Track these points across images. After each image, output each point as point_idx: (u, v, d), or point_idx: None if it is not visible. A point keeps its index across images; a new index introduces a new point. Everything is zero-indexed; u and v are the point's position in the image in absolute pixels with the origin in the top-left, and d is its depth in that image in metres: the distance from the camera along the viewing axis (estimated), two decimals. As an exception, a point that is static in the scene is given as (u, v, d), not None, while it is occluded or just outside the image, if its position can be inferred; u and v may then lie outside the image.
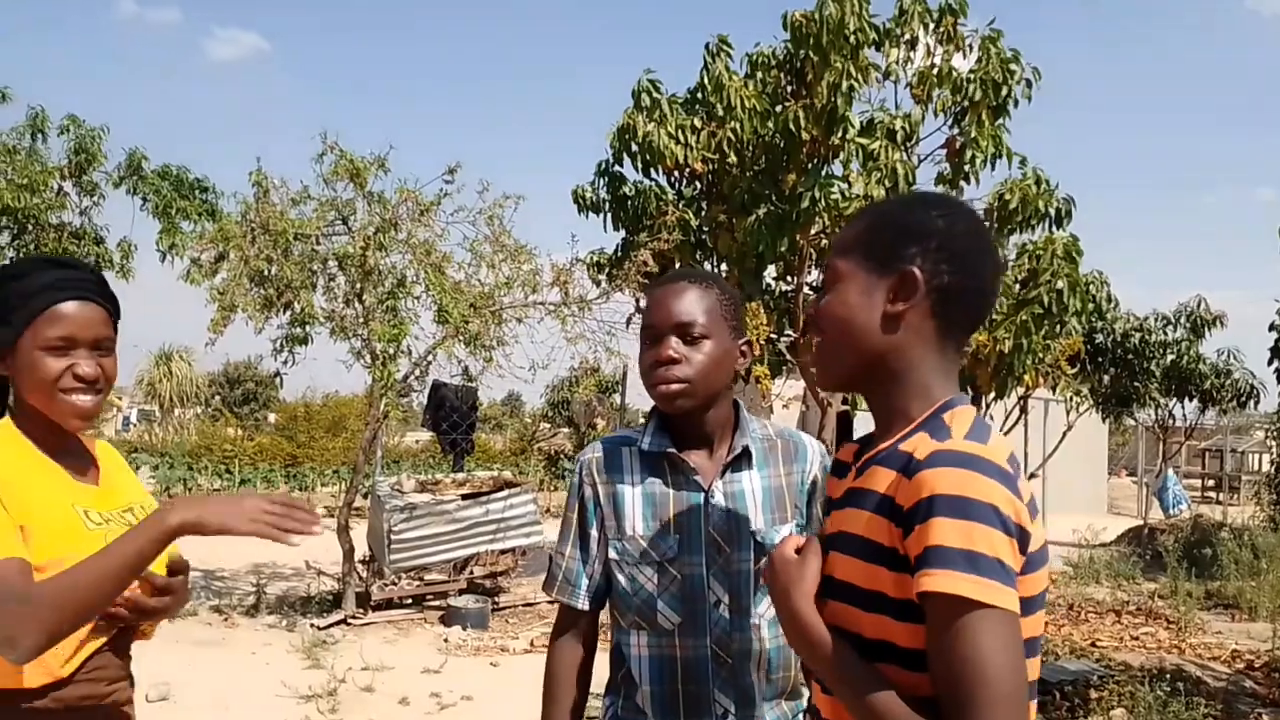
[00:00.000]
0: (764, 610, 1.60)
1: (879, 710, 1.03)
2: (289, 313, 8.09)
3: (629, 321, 8.72)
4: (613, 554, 1.62)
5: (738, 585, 1.59)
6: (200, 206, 9.37)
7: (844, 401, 8.66)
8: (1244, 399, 14.31)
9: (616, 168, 9.09)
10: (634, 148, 8.65)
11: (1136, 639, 7.29)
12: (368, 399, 8.77)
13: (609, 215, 9.13)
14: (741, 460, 1.64)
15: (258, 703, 5.32)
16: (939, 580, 0.99)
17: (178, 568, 1.59)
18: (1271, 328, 11.99)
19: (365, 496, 9.63)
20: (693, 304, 1.61)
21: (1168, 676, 5.51)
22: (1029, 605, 1.06)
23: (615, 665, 1.67)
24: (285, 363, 8.41)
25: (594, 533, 1.64)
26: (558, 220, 10.84)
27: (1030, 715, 1.05)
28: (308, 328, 8.07)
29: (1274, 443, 14.98)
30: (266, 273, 7.90)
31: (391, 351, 7.77)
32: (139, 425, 33.65)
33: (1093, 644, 6.95)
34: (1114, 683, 5.43)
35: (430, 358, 7.94)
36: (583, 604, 1.65)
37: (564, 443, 19.72)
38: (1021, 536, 1.03)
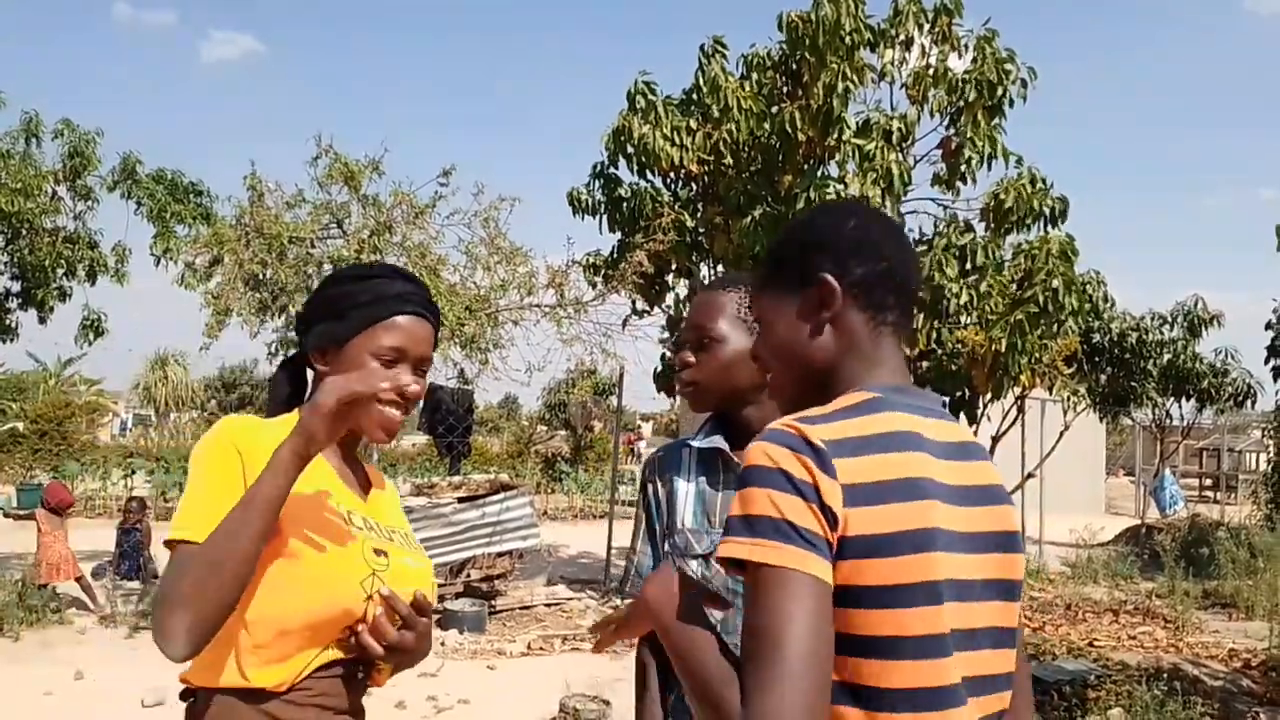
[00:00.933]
0: None
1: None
2: (284, 316, 8.07)
3: (625, 323, 8.72)
4: (667, 547, 1.70)
5: None
6: (195, 210, 9.34)
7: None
8: (1241, 398, 14.31)
9: (612, 170, 9.10)
10: (629, 150, 8.67)
11: (1134, 638, 7.28)
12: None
13: (605, 217, 9.14)
14: None
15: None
16: (721, 549, 1.00)
17: (422, 607, 1.40)
18: (1268, 327, 12.02)
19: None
20: (706, 311, 1.71)
21: (1165, 676, 5.50)
22: (876, 596, 0.98)
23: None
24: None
25: (658, 528, 1.72)
26: (554, 222, 10.84)
27: (823, 690, 0.95)
28: (303, 331, 8.05)
29: (1271, 442, 14.98)
30: (261, 276, 7.88)
31: (387, 355, 7.74)
32: (134, 430, 33.60)
33: (1090, 644, 6.95)
34: (1111, 682, 5.43)
35: (427, 361, 7.92)
36: None
37: (561, 445, 19.70)
38: (825, 512, 0.98)
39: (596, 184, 9.17)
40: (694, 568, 1.62)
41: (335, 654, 1.37)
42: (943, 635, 1.01)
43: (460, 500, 7.46)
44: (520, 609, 7.51)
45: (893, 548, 0.99)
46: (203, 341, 7.78)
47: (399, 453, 20.40)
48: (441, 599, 7.36)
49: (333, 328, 1.47)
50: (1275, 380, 12.24)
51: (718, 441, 1.69)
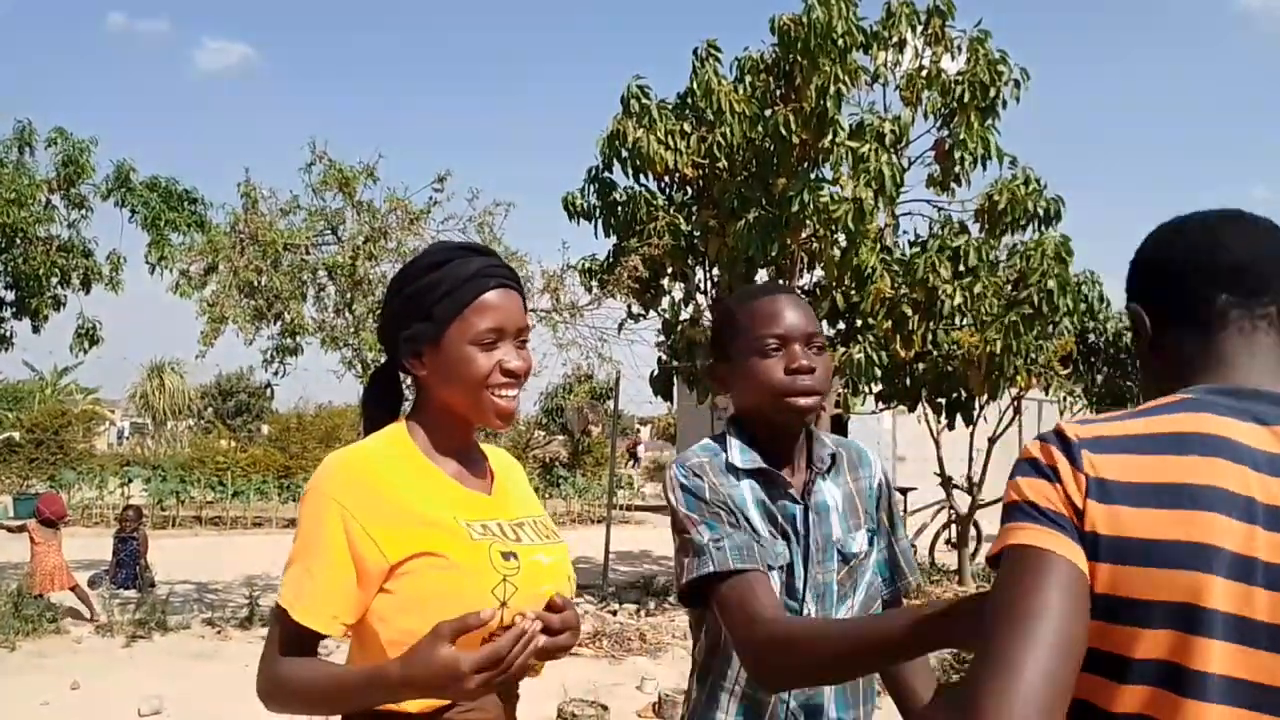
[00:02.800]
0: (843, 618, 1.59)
1: None
2: (279, 323, 8.06)
3: (621, 327, 8.72)
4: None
5: (823, 595, 1.59)
6: (189, 218, 9.33)
7: (837, 405, 8.66)
8: (1237, 396, 14.32)
9: (606, 174, 9.10)
10: (624, 153, 8.67)
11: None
12: (360, 409, 8.75)
13: (599, 221, 9.14)
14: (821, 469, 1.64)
15: (250, 716, 5.28)
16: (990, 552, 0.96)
17: (557, 606, 1.37)
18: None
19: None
20: (809, 315, 1.60)
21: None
22: (1110, 606, 0.89)
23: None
24: (276, 374, 8.39)
25: (724, 514, 1.50)
26: (549, 227, 10.83)
27: (1066, 686, 0.85)
28: (298, 338, 8.05)
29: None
30: (256, 284, 7.87)
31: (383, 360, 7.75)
32: (131, 438, 33.55)
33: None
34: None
35: (422, 367, 7.92)
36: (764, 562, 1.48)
37: (559, 450, 19.69)
38: (1068, 500, 0.92)
39: (591, 188, 9.17)
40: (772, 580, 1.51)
41: None
42: (1196, 672, 0.87)
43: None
44: (517, 614, 7.51)
45: (1143, 556, 0.89)
46: (198, 349, 7.76)
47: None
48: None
49: (423, 329, 1.41)
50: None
51: (759, 461, 1.57)
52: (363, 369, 7.85)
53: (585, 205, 9.12)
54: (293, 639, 1.35)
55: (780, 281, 9.06)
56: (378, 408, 1.53)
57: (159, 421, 30.04)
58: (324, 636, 1.35)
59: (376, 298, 7.95)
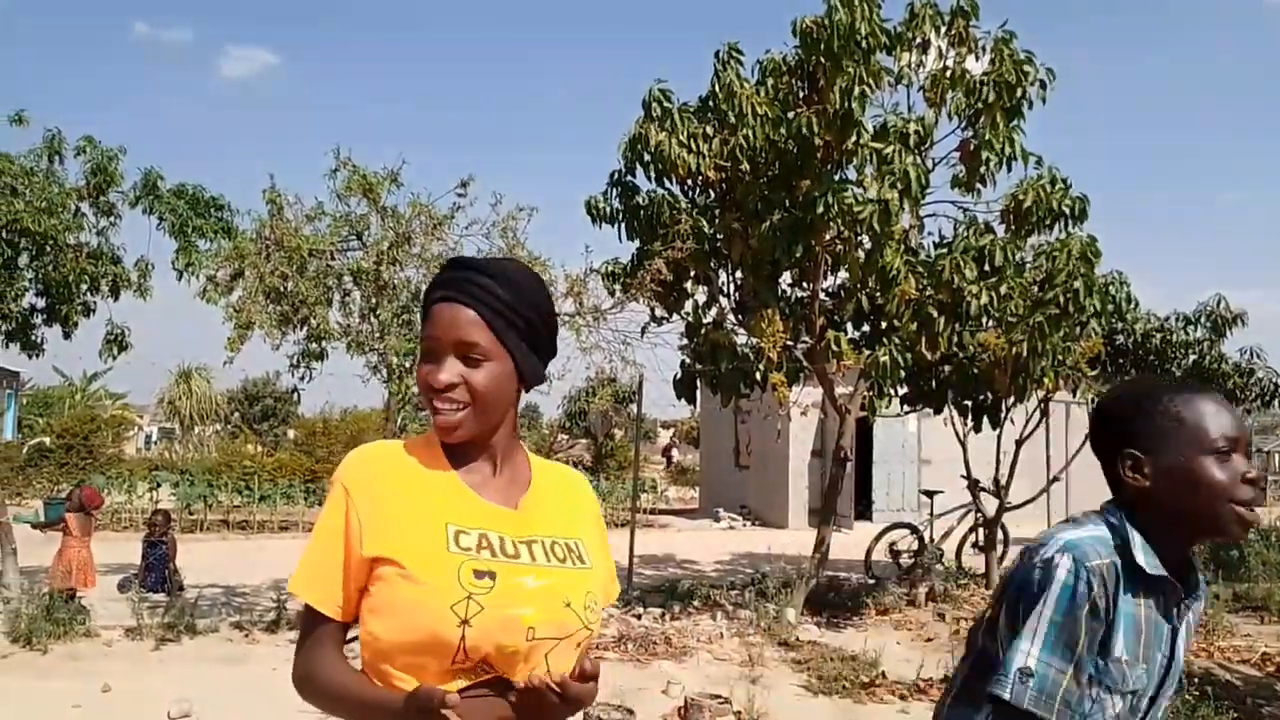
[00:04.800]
0: None
1: None
2: (305, 329, 8.11)
3: (644, 331, 8.70)
4: (1090, 670, 1.45)
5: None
6: (216, 225, 9.40)
7: (862, 408, 8.60)
8: (1268, 398, 14.12)
9: (629, 178, 9.09)
10: (646, 157, 8.66)
11: (1164, 643, 7.18)
12: (385, 413, 8.79)
13: (622, 225, 9.13)
14: None
15: (277, 718, 5.31)
16: None
17: (591, 674, 1.32)
18: (1294, 325, 11.86)
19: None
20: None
21: (1196, 680, 5.43)
22: None
23: None
24: (302, 378, 8.43)
25: (1074, 649, 1.43)
26: (572, 231, 10.86)
27: None
28: (324, 343, 8.09)
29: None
30: (282, 289, 7.92)
31: (408, 365, 7.77)
32: (159, 443, 33.89)
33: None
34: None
35: (446, 371, 7.94)
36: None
37: (582, 453, 19.68)
38: None
39: (614, 192, 9.16)
40: (1117, 706, 1.46)
41: (466, 680, 1.32)
42: None
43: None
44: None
45: None
46: (226, 355, 7.82)
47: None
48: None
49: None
50: (1303, 379, 12.11)
51: (1161, 569, 1.47)
52: (388, 373, 7.89)
53: (608, 209, 9.11)
54: (307, 621, 1.41)
55: (803, 284, 9.06)
56: None
57: (186, 426, 30.31)
58: (333, 622, 1.39)
59: (401, 302, 8.00)
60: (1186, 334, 12.59)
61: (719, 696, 5.28)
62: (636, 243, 9.10)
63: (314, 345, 8.16)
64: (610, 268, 9.07)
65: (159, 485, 16.32)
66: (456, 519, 1.38)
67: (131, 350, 9.95)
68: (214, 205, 9.51)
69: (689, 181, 8.86)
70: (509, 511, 1.44)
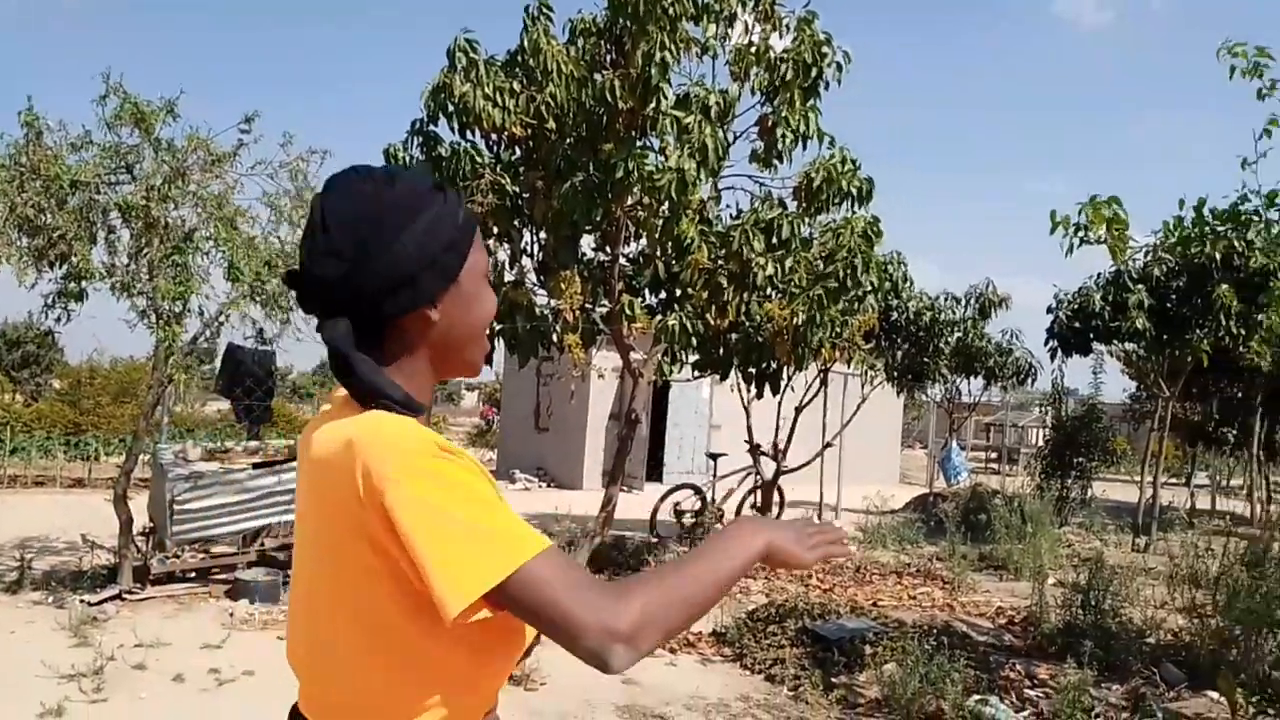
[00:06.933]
0: None
1: None
2: (65, 265, 7.45)
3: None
4: None
5: None
6: (-42, 145, 8.42)
7: (655, 372, 8.78)
8: (1023, 377, 15.53)
9: (431, 128, 8.82)
10: (449, 108, 8.42)
11: (914, 598, 7.79)
12: (152, 362, 8.20)
13: (422, 176, 8.86)
14: None
15: (13, 683, 4.89)
16: None
17: None
18: (1049, 310, 13.08)
19: (149, 465, 9.02)
20: None
21: (937, 632, 5.92)
22: None
23: None
24: (59, 320, 7.74)
25: None
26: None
27: None
28: (84, 283, 7.45)
29: (1048, 416, 16.35)
30: (37, 222, 7.24)
31: (178, 311, 7.28)
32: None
33: (874, 603, 7.38)
34: (889, 639, 5.78)
35: (222, 318, 7.49)
36: None
37: (378, 411, 19.06)
38: None
39: (415, 141, 8.87)
40: None
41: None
42: None
43: (256, 466, 7.11)
44: (320, 577, 7.26)
45: None
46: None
47: (199, 418, 19.26)
48: (233, 568, 7.03)
49: (447, 264, 1.20)
50: (1052, 360, 13.40)
51: None
52: (156, 318, 7.35)
53: (408, 159, 8.82)
54: (564, 565, 1.08)
55: (605, 248, 9.14)
56: (374, 374, 1.18)
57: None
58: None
59: (173, 242, 7.45)
60: (954, 313, 13.61)
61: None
62: (436, 195, 8.86)
63: (72, 285, 7.50)
64: (408, 220, 8.78)
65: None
66: None
67: None
68: (-44, 123, 8.51)
69: (494, 136, 8.68)
70: None
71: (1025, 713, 5.00)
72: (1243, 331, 11.29)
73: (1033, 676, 5.64)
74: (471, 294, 1.24)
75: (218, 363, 11.23)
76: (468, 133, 8.57)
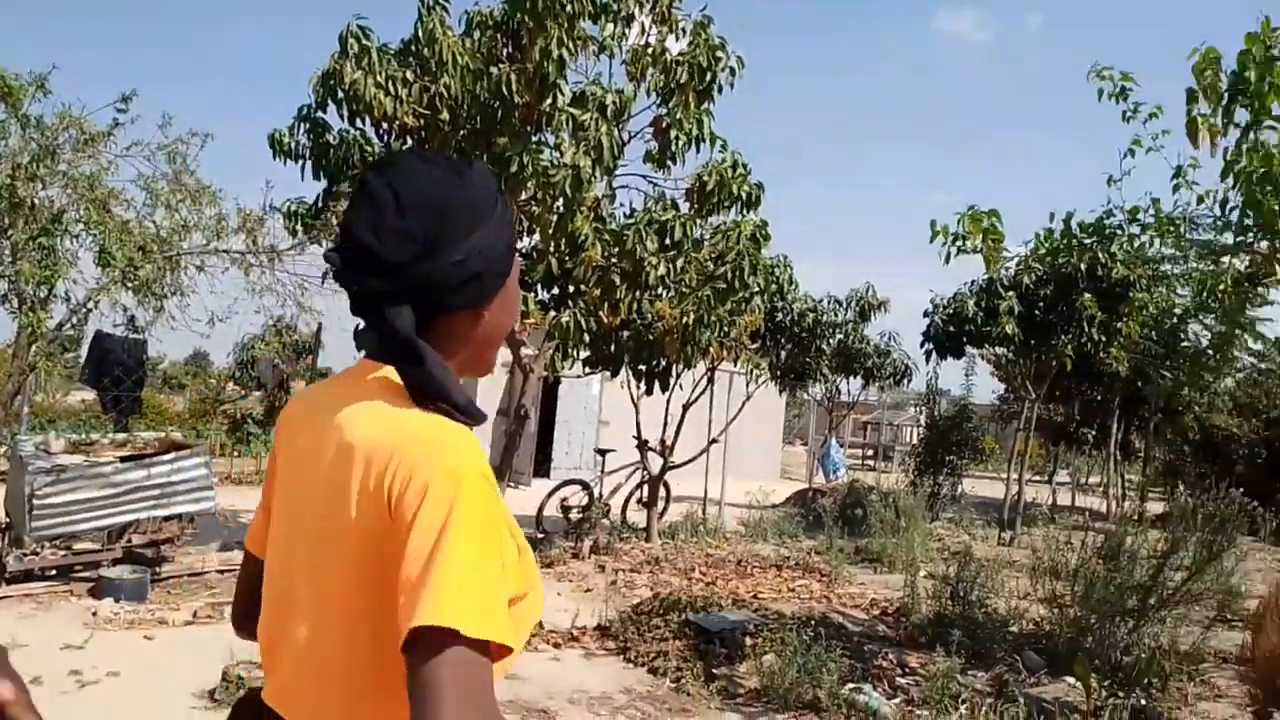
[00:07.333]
0: None
1: None
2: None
3: (325, 276, 8.32)
4: None
5: None
6: None
7: (546, 368, 8.79)
8: (899, 377, 16.16)
9: (320, 114, 8.61)
10: (340, 94, 8.23)
11: (793, 590, 8.02)
12: (14, 349, 7.76)
13: (310, 163, 8.64)
14: None
15: None
16: None
17: None
18: (925, 314, 13.65)
19: (6, 458, 8.53)
20: None
21: (814, 623, 6.12)
22: None
23: None
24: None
25: None
26: (252, 165, 10.10)
27: None
28: (-64, 263, 7.01)
29: (922, 416, 17.04)
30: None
31: (43, 296, 6.92)
32: None
33: (755, 596, 7.57)
34: (768, 630, 5.95)
35: (91, 305, 7.15)
36: None
37: (254, 406, 18.46)
38: None
39: (302, 128, 8.63)
40: None
41: None
42: None
43: (123, 459, 6.81)
44: (189, 576, 7.00)
45: None
46: None
47: (60, 408, 18.24)
48: (97, 565, 6.73)
49: (496, 271, 1.18)
50: (928, 362, 13.98)
51: None
52: (19, 303, 6.97)
53: (294, 145, 8.58)
54: (484, 673, 0.99)
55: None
56: (445, 373, 1.14)
57: None
58: None
59: (40, 224, 7.08)
60: (836, 315, 14.07)
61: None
62: (324, 183, 8.65)
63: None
64: (293, 207, 8.55)
65: None
66: None
67: None
68: None
69: (385, 125, 8.54)
70: None
71: (897, 700, 5.22)
72: (1104, 338, 12.02)
73: (904, 665, 5.89)
74: (513, 297, 1.24)
75: (84, 350, 10.70)
76: (358, 120, 8.41)
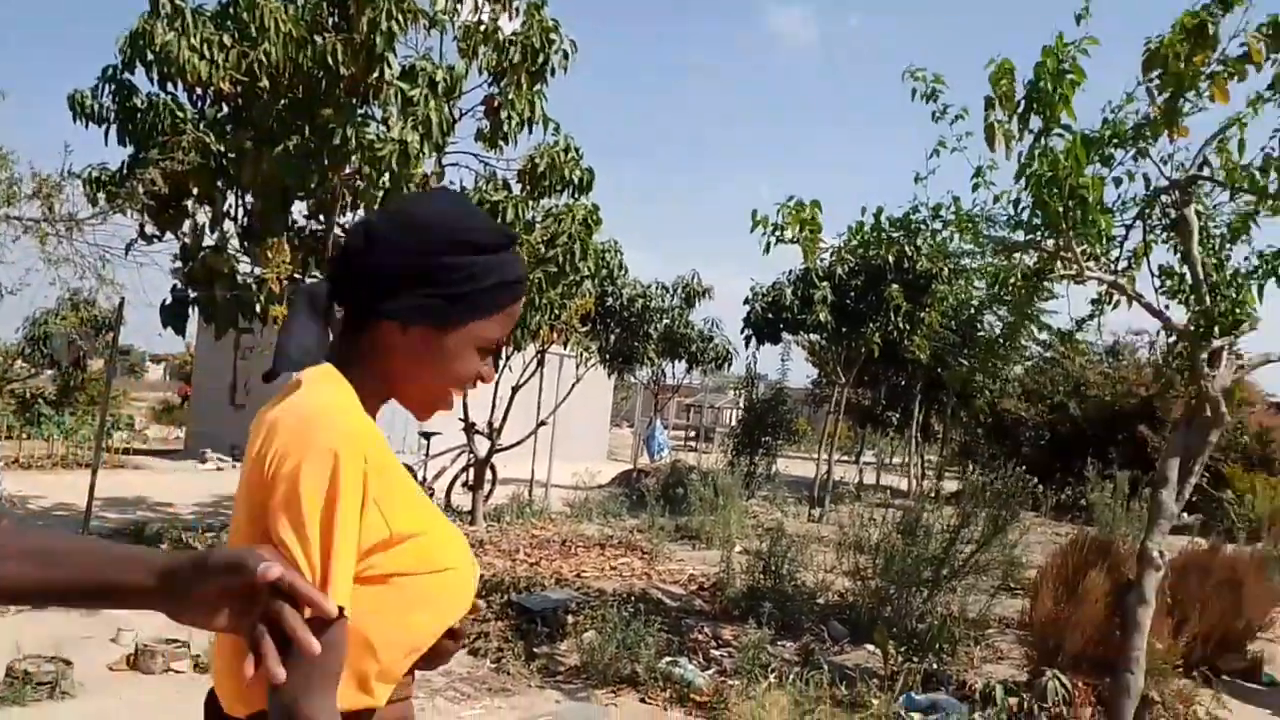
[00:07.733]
0: None
1: None
2: None
3: (129, 248, 7.85)
4: None
5: None
6: None
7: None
8: (721, 362, 16.74)
9: (127, 76, 8.07)
10: (149, 56, 7.75)
11: (615, 568, 8.24)
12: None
13: (115, 128, 8.09)
14: None
15: None
16: None
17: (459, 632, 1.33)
18: (745, 302, 14.19)
19: None
20: None
21: (634, 599, 6.33)
22: None
23: None
24: None
25: None
26: (50, 127, 9.38)
27: None
28: None
29: (741, 399, 17.71)
30: None
31: None
32: None
33: (579, 574, 7.74)
34: (590, 607, 6.11)
35: None
36: None
37: (45, 385, 17.07)
38: None
39: (107, 89, 8.07)
40: None
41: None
42: None
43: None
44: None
45: None
46: None
47: None
48: None
49: (440, 307, 1.21)
50: (747, 347, 14.55)
51: None
52: None
53: (97, 108, 8.01)
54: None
55: (319, 217, 8.79)
56: (313, 344, 1.25)
57: None
58: None
59: None
60: (663, 301, 14.42)
61: (176, 640, 5.02)
62: (130, 149, 8.12)
63: None
64: (95, 173, 8.00)
65: None
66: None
67: None
68: None
69: (199, 90, 8.10)
70: None
71: (711, 671, 5.49)
72: (908, 327, 12.86)
73: (719, 638, 6.19)
74: (461, 349, 1.25)
75: None
76: (169, 84, 7.94)
